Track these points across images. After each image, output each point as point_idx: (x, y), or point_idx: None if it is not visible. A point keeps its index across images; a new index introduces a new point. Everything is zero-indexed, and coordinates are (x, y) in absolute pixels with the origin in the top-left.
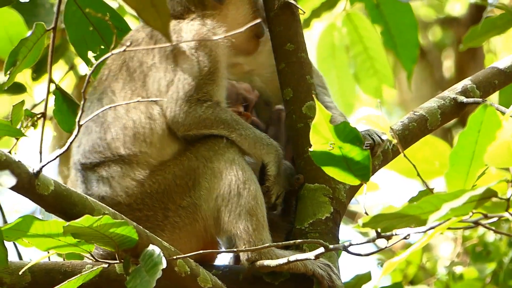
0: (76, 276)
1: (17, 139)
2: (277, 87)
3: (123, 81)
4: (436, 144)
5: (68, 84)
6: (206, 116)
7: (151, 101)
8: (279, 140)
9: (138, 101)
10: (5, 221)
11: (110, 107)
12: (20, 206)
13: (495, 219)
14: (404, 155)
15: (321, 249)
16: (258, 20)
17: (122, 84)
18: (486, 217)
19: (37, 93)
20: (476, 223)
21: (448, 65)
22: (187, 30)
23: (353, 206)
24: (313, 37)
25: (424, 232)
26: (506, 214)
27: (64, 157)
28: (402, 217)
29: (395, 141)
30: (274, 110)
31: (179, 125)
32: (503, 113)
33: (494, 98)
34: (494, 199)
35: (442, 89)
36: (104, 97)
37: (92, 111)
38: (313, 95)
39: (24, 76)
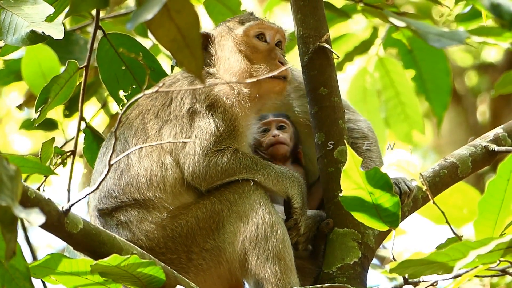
0: None
1: (46, 176)
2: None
3: (136, 129)
4: (467, 191)
5: (101, 121)
6: (228, 166)
7: (182, 141)
8: None
9: (169, 141)
10: (34, 257)
11: (141, 147)
12: (52, 241)
13: None
14: (434, 202)
15: None
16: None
17: (135, 132)
18: None
19: (70, 130)
20: (503, 271)
21: (483, 110)
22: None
23: (382, 250)
24: (346, 80)
25: (451, 279)
26: None
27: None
28: (430, 263)
29: (424, 188)
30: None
31: (200, 180)
32: None
33: None
34: None
35: (477, 134)
36: (117, 143)
37: (106, 157)
38: (345, 140)
39: (57, 112)
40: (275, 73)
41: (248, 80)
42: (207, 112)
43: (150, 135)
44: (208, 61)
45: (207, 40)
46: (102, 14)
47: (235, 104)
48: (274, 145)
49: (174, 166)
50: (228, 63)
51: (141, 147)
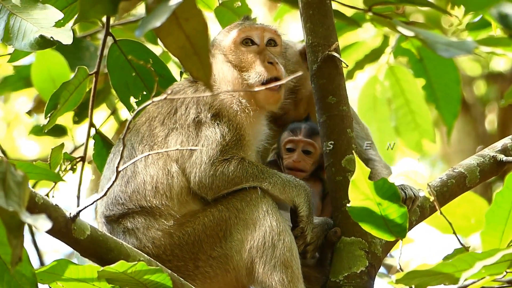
0: None
1: (55, 182)
2: None
3: (142, 136)
4: (474, 200)
5: (110, 128)
6: (234, 175)
7: (189, 149)
8: None
9: (177, 149)
10: (41, 262)
11: (150, 154)
12: (59, 246)
13: None
14: (441, 213)
15: None
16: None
17: (141, 138)
18: None
19: (79, 136)
20: (510, 283)
21: (491, 119)
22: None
23: (389, 259)
24: (356, 88)
25: None
26: None
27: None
28: (436, 274)
29: (432, 198)
30: None
31: (206, 190)
32: None
33: None
34: None
35: (485, 143)
36: (125, 149)
37: (114, 163)
38: (353, 150)
39: (66, 118)
40: (254, 89)
41: (256, 89)
42: (212, 122)
43: (157, 142)
44: None
45: None
46: (112, 21)
47: (239, 113)
48: (292, 170)
49: (180, 174)
50: (223, 73)
51: (148, 154)
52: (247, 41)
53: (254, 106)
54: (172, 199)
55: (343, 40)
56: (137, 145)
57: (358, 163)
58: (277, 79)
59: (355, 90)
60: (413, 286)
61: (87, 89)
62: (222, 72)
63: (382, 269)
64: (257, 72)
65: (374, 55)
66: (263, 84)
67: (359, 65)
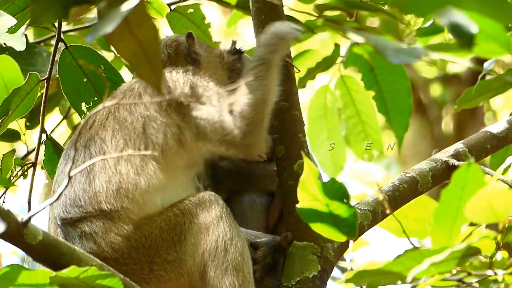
0: None
1: (6, 188)
2: None
3: (112, 129)
4: (428, 204)
5: (62, 133)
6: (249, 110)
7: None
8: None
9: (130, 154)
10: None
11: (102, 159)
12: (17, 249)
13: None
14: (391, 214)
15: None
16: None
17: (112, 132)
18: (470, 275)
19: (32, 141)
20: (460, 281)
21: (448, 122)
22: (180, 79)
23: (343, 263)
24: (307, 96)
25: None
26: (489, 272)
27: None
28: (385, 273)
29: (381, 197)
30: None
31: (252, 146)
32: (492, 176)
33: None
34: (481, 258)
35: (441, 146)
36: (91, 144)
37: (76, 159)
38: (303, 153)
39: (20, 123)
40: None
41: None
42: (189, 95)
43: (133, 135)
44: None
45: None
46: (68, 27)
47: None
48: None
49: (155, 172)
50: (216, 84)
51: (101, 159)
52: None
53: None
54: (134, 200)
55: (297, 48)
56: (109, 139)
57: (307, 163)
58: None
59: (306, 98)
60: (364, 286)
61: (39, 95)
62: (217, 77)
63: (337, 273)
64: None
65: (325, 64)
66: None
67: (311, 73)
